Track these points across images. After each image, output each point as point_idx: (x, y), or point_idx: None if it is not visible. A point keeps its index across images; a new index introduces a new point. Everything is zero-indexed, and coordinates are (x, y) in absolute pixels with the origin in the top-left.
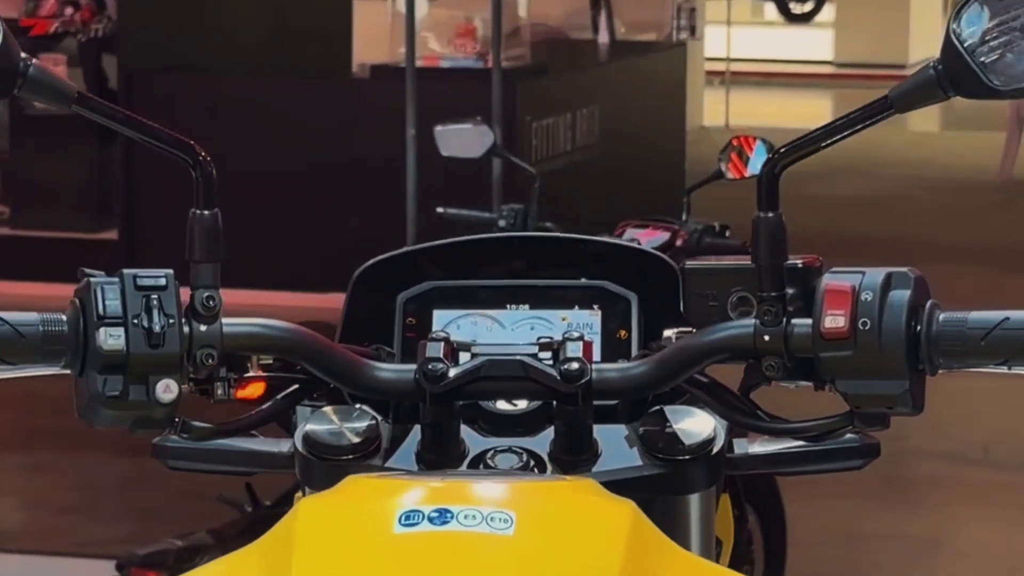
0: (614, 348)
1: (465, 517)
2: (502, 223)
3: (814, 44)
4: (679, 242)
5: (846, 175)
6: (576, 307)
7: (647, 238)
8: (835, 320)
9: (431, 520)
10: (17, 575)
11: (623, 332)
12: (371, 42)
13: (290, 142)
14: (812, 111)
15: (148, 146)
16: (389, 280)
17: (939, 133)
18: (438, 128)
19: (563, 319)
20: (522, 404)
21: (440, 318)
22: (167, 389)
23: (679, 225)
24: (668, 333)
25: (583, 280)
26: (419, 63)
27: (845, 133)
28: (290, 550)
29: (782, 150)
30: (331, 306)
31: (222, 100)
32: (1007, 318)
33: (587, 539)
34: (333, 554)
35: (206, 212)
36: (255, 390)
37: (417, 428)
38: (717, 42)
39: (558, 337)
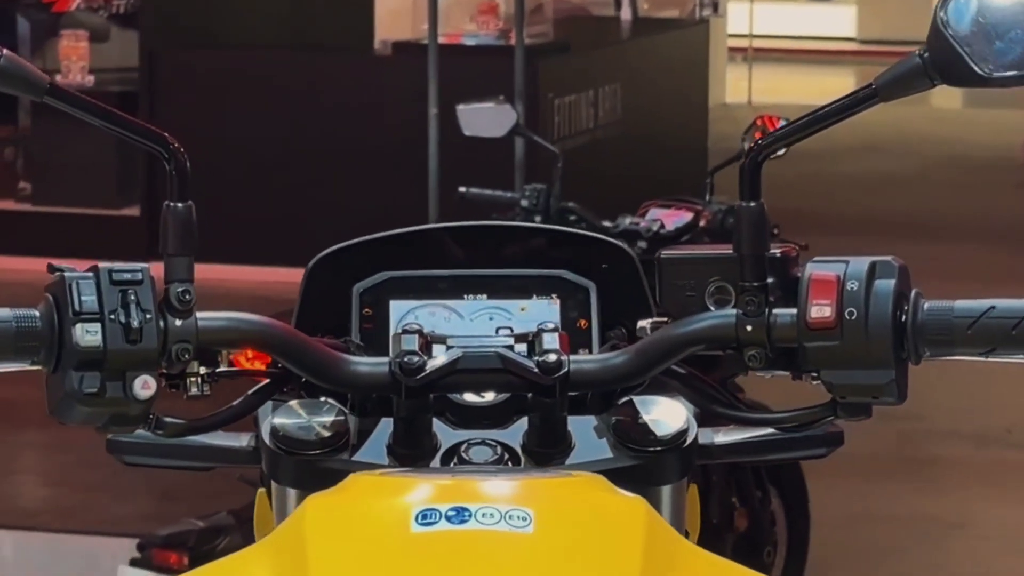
0: (574, 337)
1: (483, 515)
2: (524, 203)
3: (837, 20)
4: (702, 222)
5: (867, 153)
6: (534, 296)
7: (671, 218)
8: (821, 310)
9: (449, 519)
10: (40, 553)
11: (583, 321)
12: (393, 18)
13: (311, 119)
14: (835, 88)
15: (122, 138)
16: (345, 270)
17: (961, 111)
18: (460, 107)
19: (521, 309)
20: (489, 396)
21: (397, 309)
22: (145, 385)
23: (703, 205)
24: (643, 323)
25: (541, 269)
26: (441, 40)
27: (830, 121)
28: (303, 550)
29: (765, 139)
30: None
31: (244, 77)
32: (993, 307)
33: (605, 536)
34: (350, 554)
35: (179, 205)
36: (260, 362)
37: (385, 421)
38: (740, 18)
39: (517, 327)
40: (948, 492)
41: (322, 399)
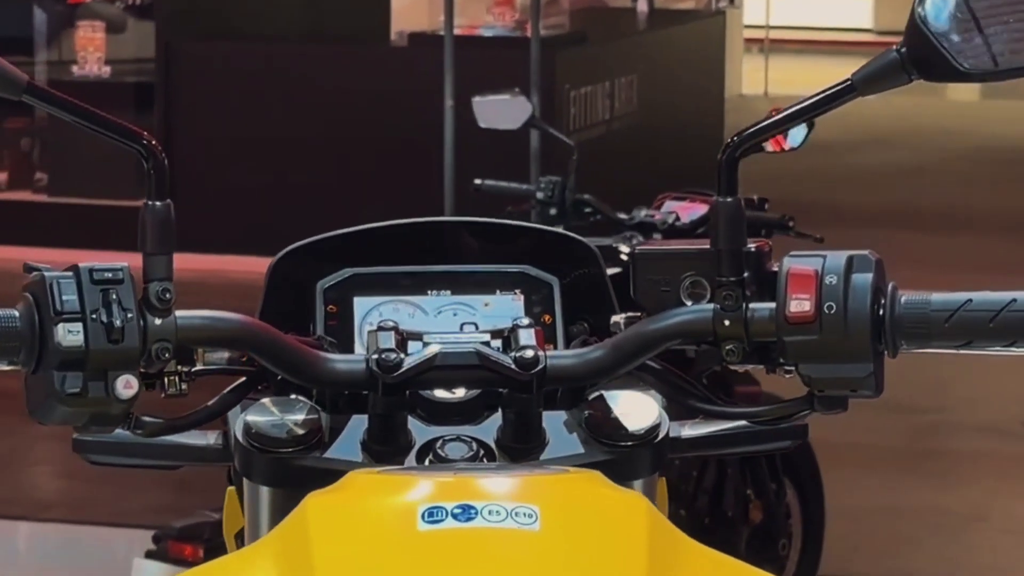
0: None
1: (490, 513)
2: (540, 195)
3: (854, 11)
4: None
5: (884, 145)
6: (498, 292)
7: (686, 211)
8: (800, 304)
9: (455, 517)
10: (54, 545)
11: (547, 317)
12: (409, 10)
13: (327, 110)
14: None
15: (100, 136)
16: (308, 267)
17: (978, 102)
18: (476, 99)
19: (485, 304)
20: (460, 392)
21: (361, 305)
22: (127, 385)
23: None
24: (616, 319)
25: (505, 265)
26: (457, 31)
27: (808, 116)
28: (307, 549)
29: (742, 134)
30: None
31: (260, 68)
32: (970, 300)
33: (610, 532)
34: (356, 553)
35: (158, 203)
36: None
37: (356, 418)
38: (756, 9)
39: (481, 322)
40: (966, 485)
41: (293, 397)
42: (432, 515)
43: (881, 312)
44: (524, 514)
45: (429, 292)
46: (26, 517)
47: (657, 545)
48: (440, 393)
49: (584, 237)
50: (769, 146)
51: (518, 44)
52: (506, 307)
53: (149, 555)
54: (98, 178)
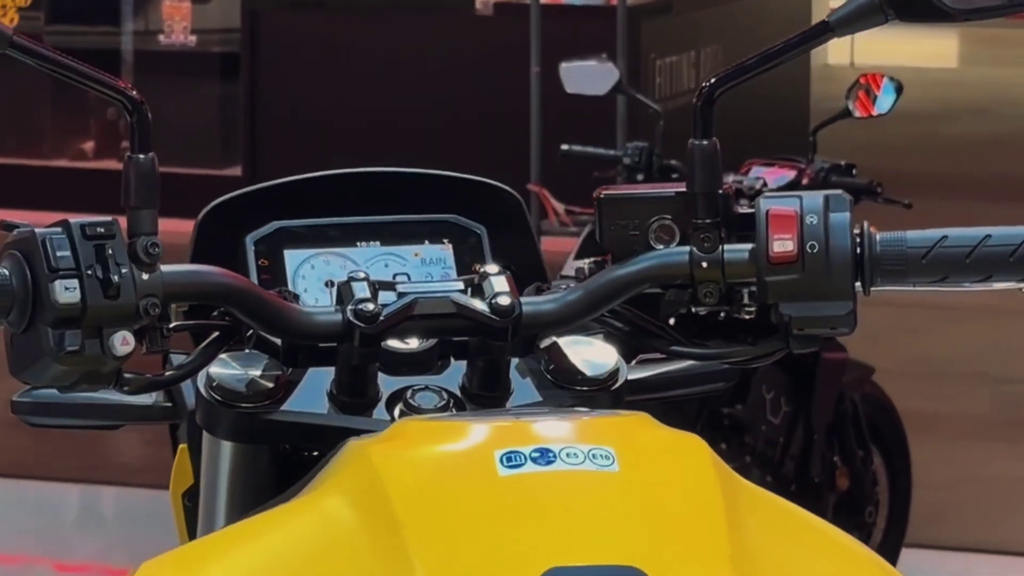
0: None
1: (568, 455)
2: (627, 160)
3: None
4: (805, 180)
5: (974, 115)
6: (427, 242)
7: (773, 176)
8: (783, 244)
9: (535, 460)
10: (140, 510)
11: (478, 266)
12: None
13: (412, 80)
14: (938, 50)
15: (85, 88)
16: (236, 221)
17: None
18: (563, 65)
19: (415, 254)
20: (414, 343)
21: (292, 258)
22: (124, 341)
23: (805, 164)
24: (580, 264)
25: (431, 215)
26: (543, 0)
27: (784, 58)
28: (385, 498)
29: (719, 76)
30: None
31: (344, 38)
32: (945, 236)
33: (683, 471)
34: (439, 501)
35: (142, 156)
36: None
37: (313, 371)
38: None
39: (413, 273)
40: None
41: (249, 351)
42: (511, 460)
43: (859, 251)
44: (601, 456)
45: (359, 244)
46: (111, 482)
47: (723, 482)
48: (394, 343)
49: None
50: (857, 111)
51: (604, 13)
52: (436, 256)
53: None
54: (183, 147)
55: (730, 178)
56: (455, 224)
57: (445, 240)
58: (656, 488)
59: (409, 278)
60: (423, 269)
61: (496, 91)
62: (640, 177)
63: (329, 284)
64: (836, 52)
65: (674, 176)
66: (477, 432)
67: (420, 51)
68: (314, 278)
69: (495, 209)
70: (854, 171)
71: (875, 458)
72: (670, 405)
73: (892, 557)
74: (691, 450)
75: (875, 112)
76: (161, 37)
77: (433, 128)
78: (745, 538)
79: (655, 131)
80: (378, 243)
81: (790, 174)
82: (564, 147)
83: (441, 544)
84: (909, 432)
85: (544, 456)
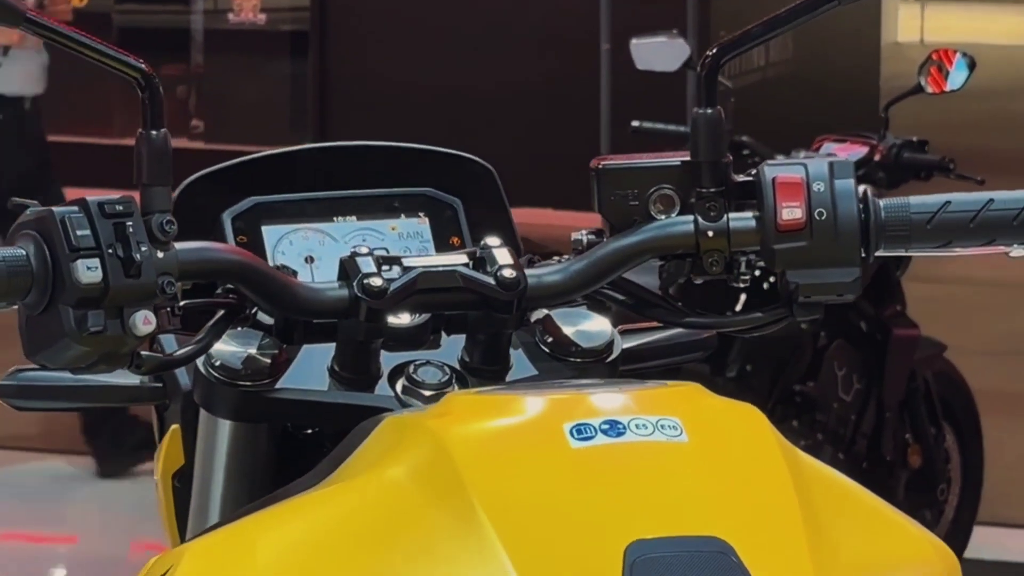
0: None
1: (637, 427)
2: None
3: None
4: (877, 157)
5: None
6: (403, 216)
7: (845, 152)
8: (792, 212)
9: (605, 432)
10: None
11: (455, 239)
12: None
13: (481, 56)
14: (1011, 26)
15: (97, 64)
16: (213, 197)
17: None
18: (634, 41)
19: (392, 228)
20: (406, 318)
21: (270, 234)
22: (146, 320)
23: (877, 140)
24: (577, 235)
25: (406, 188)
26: None
27: (788, 26)
28: (454, 472)
29: (722, 43)
30: (522, 220)
31: (413, 14)
32: (948, 202)
33: (747, 441)
34: (511, 475)
35: (154, 132)
36: None
37: (307, 348)
38: None
39: (391, 247)
40: None
41: (243, 329)
42: (581, 432)
43: (864, 216)
44: (669, 426)
45: (335, 219)
46: None
47: (785, 452)
48: (390, 319)
49: None
50: (930, 87)
51: None
52: (413, 230)
53: None
54: (254, 125)
55: (802, 154)
56: (430, 197)
57: (421, 214)
58: (724, 458)
59: (387, 252)
60: (401, 243)
61: (566, 67)
62: None
63: (308, 260)
64: (906, 30)
65: (745, 153)
66: (536, 405)
67: (489, 27)
68: (293, 253)
69: (469, 182)
70: (926, 147)
71: (947, 436)
72: (741, 381)
73: (964, 535)
74: (751, 419)
75: (947, 88)
76: (230, 15)
77: (503, 104)
78: (811, 510)
79: (725, 107)
80: (354, 218)
81: (862, 150)
82: (635, 123)
83: (519, 520)
84: (981, 410)
85: (614, 428)
